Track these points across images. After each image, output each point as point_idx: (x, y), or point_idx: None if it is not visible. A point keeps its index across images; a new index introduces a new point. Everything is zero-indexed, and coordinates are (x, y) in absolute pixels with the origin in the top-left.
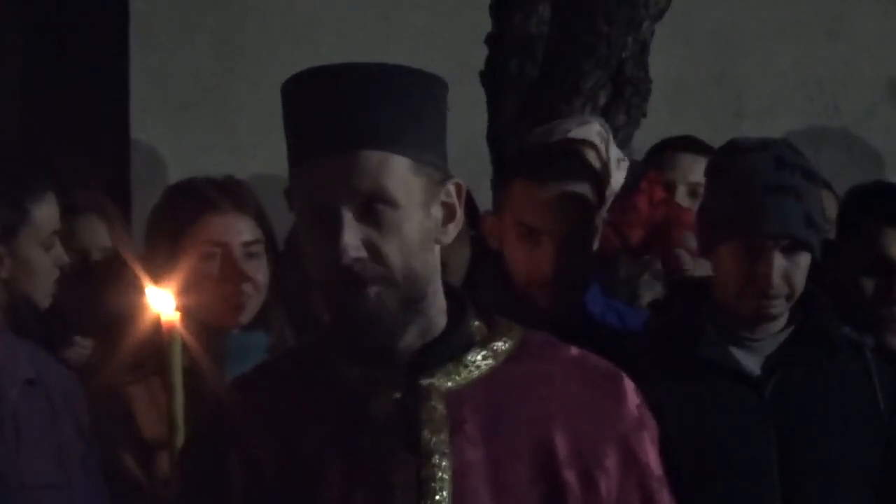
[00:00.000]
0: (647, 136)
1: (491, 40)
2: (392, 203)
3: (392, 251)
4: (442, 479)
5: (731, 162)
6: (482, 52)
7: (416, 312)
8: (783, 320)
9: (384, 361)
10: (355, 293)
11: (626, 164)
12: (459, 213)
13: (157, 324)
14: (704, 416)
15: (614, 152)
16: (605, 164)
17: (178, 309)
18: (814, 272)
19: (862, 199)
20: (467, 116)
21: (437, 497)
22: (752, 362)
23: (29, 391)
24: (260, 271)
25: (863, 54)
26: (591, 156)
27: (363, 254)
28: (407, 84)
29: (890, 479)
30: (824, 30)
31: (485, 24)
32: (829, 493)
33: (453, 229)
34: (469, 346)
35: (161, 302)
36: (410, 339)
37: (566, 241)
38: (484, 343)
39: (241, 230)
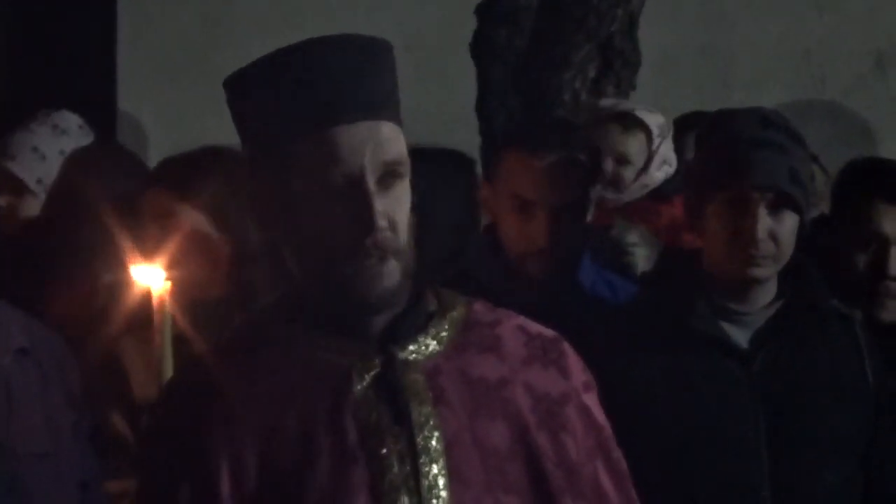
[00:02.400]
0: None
1: (480, 11)
2: (402, 175)
3: (402, 223)
4: (436, 450)
5: (717, 125)
6: (471, 23)
7: (406, 285)
8: (772, 292)
9: (358, 335)
10: (378, 265)
11: (668, 170)
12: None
13: (148, 296)
14: (692, 388)
15: (664, 151)
16: (650, 157)
17: (168, 279)
18: (805, 246)
19: (855, 174)
20: (457, 87)
21: (435, 468)
22: (740, 336)
23: (21, 360)
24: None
25: (851, 26)
26: (641, 139)
27: (386, 223)
28: (387, 55)
29: (877, 452)
30: (812, 2)
31: None
32: (816, 465)
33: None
34: (429, 317)
35: (151, 275)
36: (385, 312)
37: (559, 213)
38: (440, 313)
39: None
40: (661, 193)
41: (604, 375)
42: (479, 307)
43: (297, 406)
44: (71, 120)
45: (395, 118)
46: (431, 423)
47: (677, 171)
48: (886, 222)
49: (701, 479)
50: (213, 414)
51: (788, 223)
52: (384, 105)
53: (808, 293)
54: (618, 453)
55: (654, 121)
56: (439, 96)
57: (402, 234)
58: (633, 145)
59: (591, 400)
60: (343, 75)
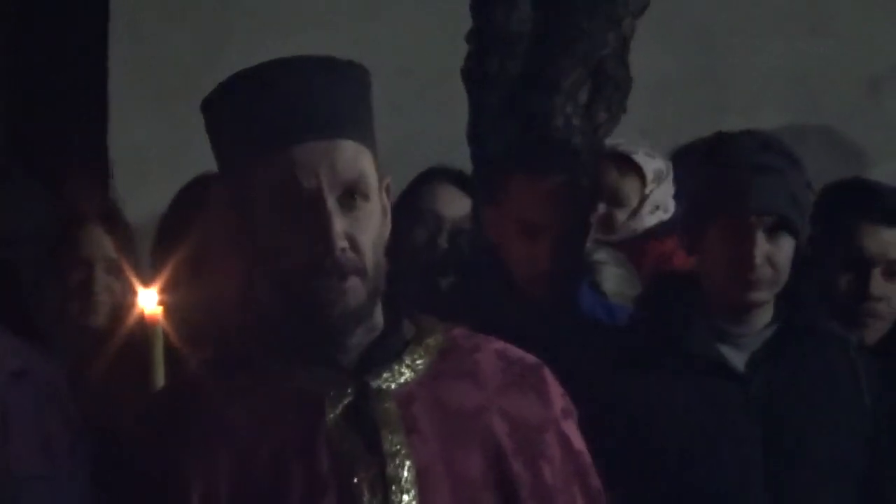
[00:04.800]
0: (629, 131)
1: (470, 37)
2: (365, 195)
3: (366, 243)
4: (407, 479)
5: (716, 148)
6: (462, 50)
7: (374, 307)
8: (769, 315)
9: (330, 362)
10: (337, 284)
11: (661, 215)
12: (388, 212)
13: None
14: (690, 410)
15: (658, 196)
16: (642, 201)
17: (160, 304)
18: (799, 267)
19: (838, 195)
20: (454, 112)
21: (406, 498)
22: (737, 358)
23: (15, 383)
24: None
25: (844, 51)
26: (635, 183)
27: (346, 244)
28: (356, 75)
29: (874, 474)
30: (806, 26)
31: (466, 21)
32: (814, 488)
33: (388, 227)
34: (406, 344)
35: (146, 299)
36: (358, 338)
37: (564, 236)
38: (417, 340)
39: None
40: (649, 233)
41: (603, 397)
42: (459, 333)
43: (269, 434)
44: None
45: (360, 138)
46: (403, 452)
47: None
48: (868, 242)
49: (698, 502)
50: (185, 440)
51: (786, 247)
52: (345, 124)
53: (805, 316)
54: (596, 481)
55: (652, 166)
56: (436, 121)
57: (366, 255)
58: (627, 188)
59: (570, 427)
60: (300, 95)
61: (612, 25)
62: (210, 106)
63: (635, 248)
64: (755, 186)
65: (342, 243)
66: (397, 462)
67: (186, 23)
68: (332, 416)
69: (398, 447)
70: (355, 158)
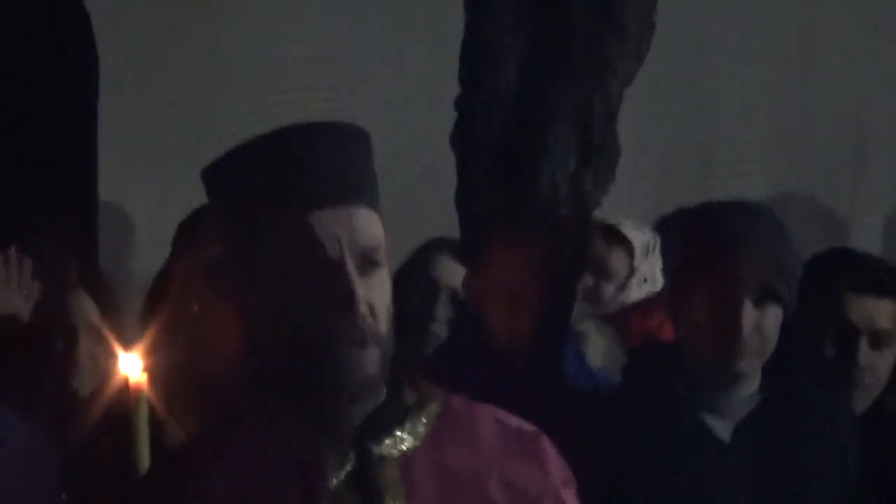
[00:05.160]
0: (614, 197)
1: (459, 103)
2: (380, 262)
3: (382, 309)
4: None
5: (701, 219)
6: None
7: (384, 375)
8: (755, 384)
9: (334, 427)
10: (357, 352)
11: (648, 288)
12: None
13: (125, 387)
14: (675, 479)
15: (647, 269)
16: (630, 273)
17: (145, 370)
18: (785, 336)
19: (824, 265)
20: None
21: None
22: (722, 427)
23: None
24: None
25: (832, 119)
26: (623, 255)
27: (367, 311)
28: (362, 140)
29: None
30: (794, 94)
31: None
32: None
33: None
34: (406, 410)
35: (129, 365)
36: (362, 404)
37: (547, 304)
38: (418, 407)
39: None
40: (638, 306)
41: (587, 466)
42: (457, 401)
43: (270, 499)
44: None
45: (373, 205)
46: None
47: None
48: (855, 313)
49: None
50: (188, 498)
51: (773, 316)
52: (360, 191)
53: (789, 386)
54: None
55: (640, 239)
56: (421, 183)
57: (382, 321)
58: (615, 261)
59: (570, 497)
60: (317, 162)
61: (600, 94)
62: (217, 172)
63: (623, 321)
64: (741, 256)
65: (363, 309)
66: None
67: (174, 86)
68: (334, 482)
69: None
70: (371, 225)
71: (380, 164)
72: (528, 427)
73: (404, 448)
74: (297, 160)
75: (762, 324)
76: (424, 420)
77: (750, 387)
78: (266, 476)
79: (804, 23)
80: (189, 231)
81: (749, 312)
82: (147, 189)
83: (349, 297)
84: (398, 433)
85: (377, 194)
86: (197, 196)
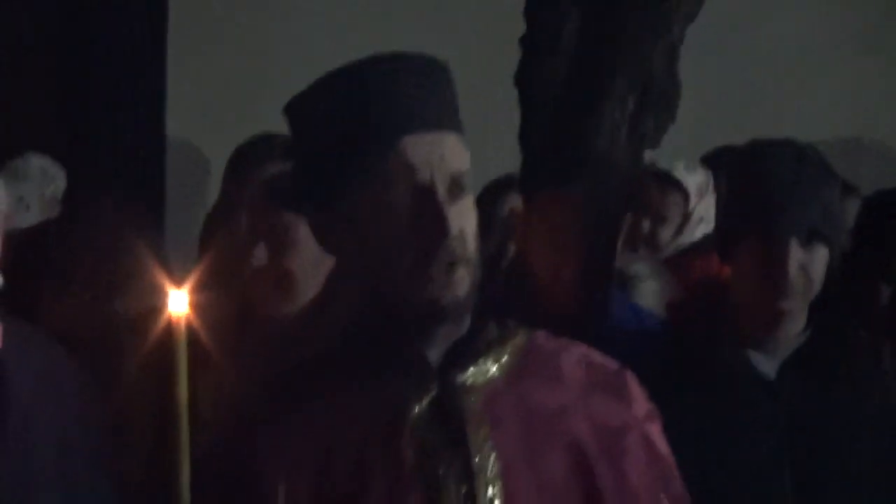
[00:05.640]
0: (678, 143)
1: (524, 41)
2: (466, 188)
3: (470, 233)
4: (493, 472)
5: (749, 160)
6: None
7: (473, 299)
8: (801, 323)
9: (417, 358)
10: (449, 273)
11: (705, 228)
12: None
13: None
14: (718, 418)
15: (702, 210)
16: (686, 217)
17: (191, 306)
18: (832, 277)
19: (879, 205)
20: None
21: (491, 490)
22: (768, 365)
23: (39, 381)
24: (287, 258)
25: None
26: (678, 200)
27: (457, 232)
28: (444, 70)
29: None
30: (861, 43)
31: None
32: (841, 498)
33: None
34: (490, 343)
35: (175, 300)
36: (447, 333)
37: (590, 245)
38: (502, 340)
39: (263, 219)
40: (696, 247)
41: None
42: (542, 336)
43: (354, 429)
44: (32, 165)
45: (460, 131)
46: (489, 445)
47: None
48: None
49: None
50: (269, 438)
51: (819, 257)
52: (446, 118)
53: (835, 325)
54: (680, 484)
55: (693, 180)
56: (481, 122)
57: (470, 245)
58: (670, 206)
59: (655, 430)
60: (405, 89)
61: (661, 33)
62: (303, 105)
63: (678, 263)
64: (788, 200)
65: (454, 231)
66: (483, 455)
67: (235, 40)
68: (417, 410)
69: (483, 440)
70: (461, 151)
71: None
72: (613, 363)
73: (488, 378)
74: (386, 87)
75: (808, 265)
76: (509, 353)
77: (795, 326)
78: (350, 403)
79: None
80: (240, 159)
81: (795, 253)
82: (221, 130)
83: (440, 219)
84: (482, 363)
85: (461, 125)
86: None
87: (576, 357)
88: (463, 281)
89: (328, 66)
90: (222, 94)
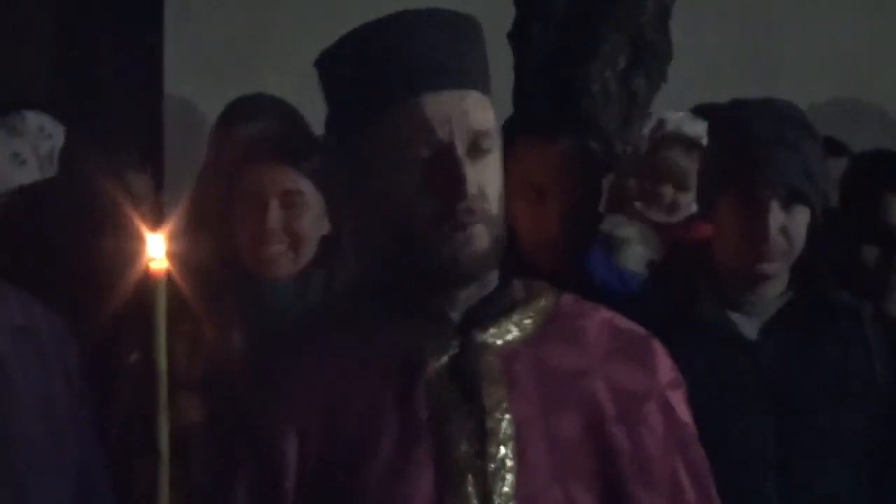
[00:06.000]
0: (675, 105)
1: (518, 2)
2: (490, 145)
3: (492, 191)
4: (506, 433)
5: (730, 117)
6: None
7: (495, 256)
8: (782, 284)
9: (437, 315)
10: (466, 230)
11: None
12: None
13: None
14: (700, 378)
15: None
16: None
17: (168, 255)
18: (815, 238)
19: (865, 166)
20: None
21: (503, 450)
22: (749, 326)
23: (19, 338)
24: (301, 220)
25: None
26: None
27: (476, 191)
28: (473, 27)
29: (885, 448)
30: (860, 6)
31: None
32: (823, 460)
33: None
34: (515, 304)
35: (153, 247)
36: (470, 291)
37: (573, 201)
38: (527, 302)
39: (277, 181)
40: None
41: None
42: (568, 299)
43: (367, 381)
44: (28, 121)
45: (485, 90)
46: (503, 406)
47: None
48: (895, 214)
49: None
50: (280, 386)
51: (800, 219)
52: (471, 76)
53: (817, 286)
54: (700, 451)
55: (702, 130)
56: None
57: (492, 203)
58: (692, 170)
59: (677, 397)
60: (429, 45)
61: None
62: (330, 60)
63: (672, 227)
64: (768, 158)
65: (472, 189)
66: (496, 415)
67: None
68: (434, 366)
69: (498, 400)
70: (484, 109)
71: None
72: (639, 329)
73: (509, 339)
74: (410, 42)
75: (789, 226)
76: (532, 314)
77: (777, 287)
78: (365, 355)
79: None
80: (229, 115)
81: (776, 214)
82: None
83: (458, 177)
84: (503, 323)
85: (489, 83)
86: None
87: (600, 321)
88: (482, 237)
89: (329, 27)
90: (221, 54)
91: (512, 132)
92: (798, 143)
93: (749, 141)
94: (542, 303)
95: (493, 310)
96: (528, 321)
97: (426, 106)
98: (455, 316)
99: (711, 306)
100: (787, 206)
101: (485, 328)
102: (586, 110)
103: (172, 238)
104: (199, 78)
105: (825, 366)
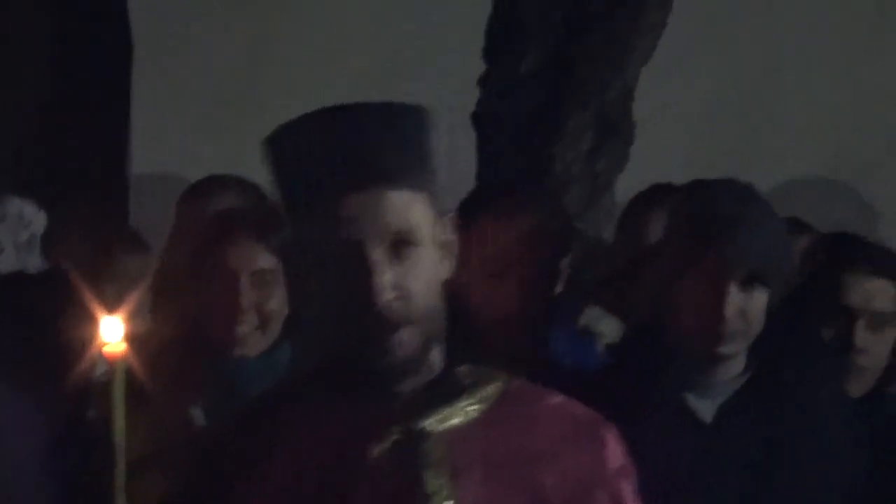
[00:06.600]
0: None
1: (482, 81)
2: (416, 241)
3: (418, 290)
4: None
5: (691, 197)
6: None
7: (428, 353)
8: (740, 365)
9: (384, 400)
10: (387, 335)
11: None
12: (456, 247)
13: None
14: (657, 461)
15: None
16: None
17: (127, 338)
18: (773, 318)
19: (825, 247)
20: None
21: None
22: (706, 408)
23: None
24: (271, 299)
25: (870, 108)
26: None
27: (394, 294)
28: (412, 120)
29: None
30: (833, 81)
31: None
32: None
33: (451, 264)
34: (461, 390)
35: (109, 330)
36: (411, 382)
37: (531, 280)
38: (474, 387)
39: (251, 260)
40: None
41: None
42: (518, 384)
43: (314, 465)
44: (10, 207)
45: (412, 185)
46: (445, 493)
47: None
48: (854, 295)
49: None
50: (233, 476)
51: (759, 300)
52: (395, 174)
53: (774, 367)
54: None
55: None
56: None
57: (417, 303)
58: None
59: (626, 486)
60: (351, 146)
61: (615, 73)
62: (266, 146)
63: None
64: (728, 240)
65: (389, 294)
66: (438, 503)
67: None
68: (377, 452)
69: (441, 489)
70: (405, 208)
71: None
72: (590, 414)
73: (453, 424)
74: (336, 142)
75: (747, 307)
76: (479, 399)
77: (734, 368)
78: (311, 441)
79: None
80: (193, 193)
81: (734, 296)
82: (207, 157)
83: (369, 283)
84: (447, 410)
85: (425, 172)
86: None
87: (551, 407)
88: (410, 341)
89: (295, 112)
90: (197, 128)
91: (473, 210)
92: (758, 225)
93: (709, 222)
94: (490, 389)
95: (438, 396)
96: (473, 408)
97: (340, 209)
98: (399, 401)
99: (668, 388)
100: (745, 287)
101: (427, 414)
102: (548, 191)
103: (133, 316)
104: (165, 158)
105: (781, 449)
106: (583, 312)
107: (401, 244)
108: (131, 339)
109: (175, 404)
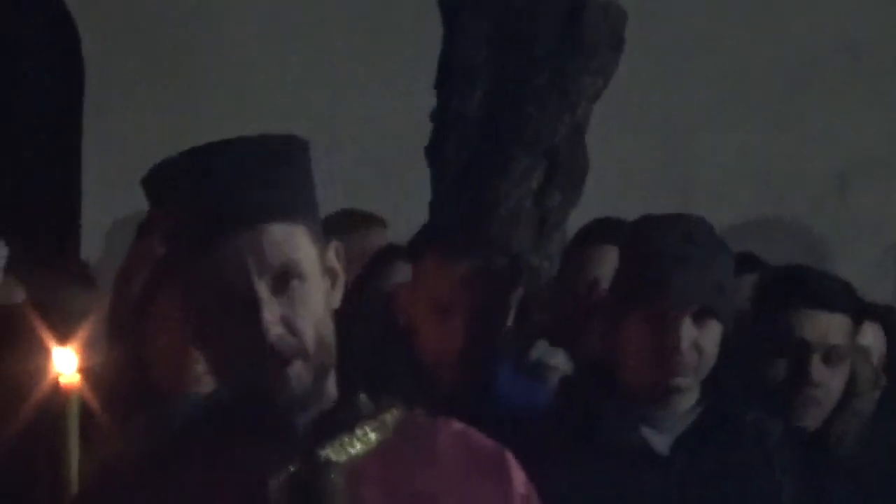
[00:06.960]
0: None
1: (433, 117)
2: (301, 275)
3: (306, 324)
4: None
5: (640, 235)
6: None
7: (323, 384)
8: (694, 398)
9: (280, 433)
10: (277, 371)
11: None
12: (342, 276)
13: (56, 385)
14: (607, 496)
15: None
16: None
17: (80, 370)
18: (725, 351)
19: (776, 281)
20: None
21: None
22: (661, 442)
23: None
24: None
25: (812, 146)
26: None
27: (283, 329)
28: (289, 152)
29: None
30: (772, 120)
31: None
32: None
33: (339, 293)
34: (358, 419)
35: (63, 362)
36: (307, 415)
37: (476, 318)
38: (372, 416)
39: None
40: None
41: None
42: (418, 414)
43: (216, 499)
44: None
45: (292, 217)
46: None
47: None
48: (808, 329)
49: None
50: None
51: (712, 332)
52: (272, 208)
53: (726, 404)
54: None
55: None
56: (397, 201)
57: (306, 335)
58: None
59: None
60: (225, 185)
61: (563, 112)
62: (146, 186)
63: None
64: (677, 279)
65: (277, 330)
66: None
67: (154, 105)
68: (274, 485)
69: None
70: (285, 241)
71: (357, 180)
72: (491, 444)
73: (351, 454)
74: (205, 184)
75: (700, 340)
76: (378, 429)
77: (688, 400)
78: (206, 477)
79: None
80: (142, 230)
81: (687, 329)
82: (135, 204)
83: (255, 321)
84: (345, 439)
85: (304, 203)
86: None
87: (453, 437)
88: (299, 375)
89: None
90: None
91: (421, 247)
92: (708, 259)
93: (659, 258)
94: (390, 417)
95: (334, 425)
96: (372, 435)
97: (220, 249)
98: (297, 433)
99: (621, 422)
100: (698, 321)
101: (324, 444)
102: (494, 229)
103: (85, 348)
104: (116, 194)
105: (731, 484)
106: (534, 346)
107: (285, 278)
108: (85, 371)
109: (122, 441)
